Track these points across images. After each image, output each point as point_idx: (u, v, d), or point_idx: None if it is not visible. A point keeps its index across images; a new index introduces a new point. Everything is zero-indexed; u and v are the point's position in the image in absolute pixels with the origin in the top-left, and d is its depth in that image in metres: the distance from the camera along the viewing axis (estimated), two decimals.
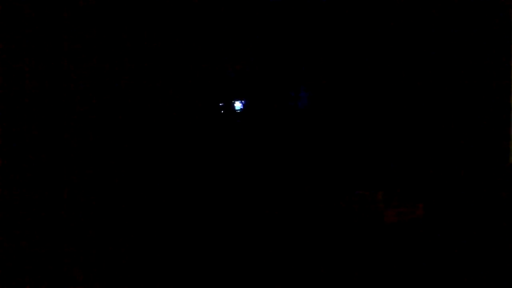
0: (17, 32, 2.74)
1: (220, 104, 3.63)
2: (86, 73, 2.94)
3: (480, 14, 3.50)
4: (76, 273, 2.75)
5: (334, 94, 3.77)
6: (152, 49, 3.23)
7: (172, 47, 3.32)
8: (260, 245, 3.19)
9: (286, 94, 3.78)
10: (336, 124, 3.74)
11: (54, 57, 2.83)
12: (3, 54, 2.71)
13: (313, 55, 3.75)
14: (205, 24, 3.45)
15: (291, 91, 3.79)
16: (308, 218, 3.39)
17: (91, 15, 2.95)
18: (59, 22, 2.83)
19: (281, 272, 3.01)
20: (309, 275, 3.00)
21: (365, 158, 3.69)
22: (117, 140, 3.05)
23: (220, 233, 3.24)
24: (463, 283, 2.91)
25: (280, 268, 3.04)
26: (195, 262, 3.05)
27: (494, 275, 2.93)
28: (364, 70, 3.73)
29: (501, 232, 3.26)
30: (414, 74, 3.65)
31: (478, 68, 3.51)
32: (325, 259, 3.09)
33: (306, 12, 3.71)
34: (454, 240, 3.22)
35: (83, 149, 2.91)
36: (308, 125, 3.73)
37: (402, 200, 3.37)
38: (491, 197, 3.44)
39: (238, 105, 3.67)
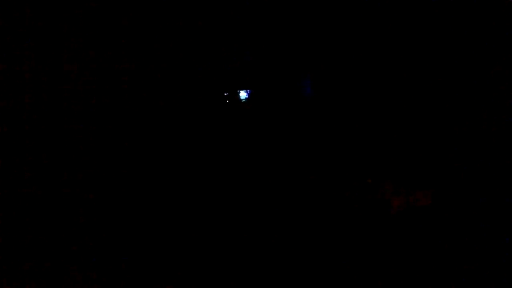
0: (17, 32, 2.75)
1: (225, 94, 3.62)
2: (87, 63, 2.95)
3: (484, 14, 3.46)
4: (76, 273, 2.78)
5: (341, 83, 3.74)
6: (157, 39, 3.23)
7: (177, 37, 3.31)
8: (266, 234, 3.21)
9: (292, 84, 3.75)
10: (344, 113, 3.71)
11: (54, 57, 2.84)
12: (3, 53, 2.72)
13: (319, 45, 3.71)
14: (210, 14, 3.43)
15: (297, 81, 3.76)
16: (315, 207, 3.39)
17: (91, 13, 2.95)
18: (59, 22, 2.83)
19: (288, 261, 3.02)
20: (316, 265, 3.01)
21: (373, 147, 3.67)
22: (122, 129, 3.07)
23: (227, 219, 3.26)
24: (470, 271, 2.90)
25: (287, 258, 3.05)
26: (200, 255, 3.07)
27: (501, 264, 2.91)
28: (372, 64, 3.69)
29: (508, 221, 3.23)
30: (423, 68, 3.62)
31: (485, 63, 3.49)
32: (333, 248, 3.10)
33: (311, 4, 3.67)
34: (462, 228, 3.20)
35: (83, 146, 2.92)
36: (314, 114, 3.71)
37: (410, 188, 3.35)
38: (500, 185, 3.41)
39: (243, 94, 3.65)
